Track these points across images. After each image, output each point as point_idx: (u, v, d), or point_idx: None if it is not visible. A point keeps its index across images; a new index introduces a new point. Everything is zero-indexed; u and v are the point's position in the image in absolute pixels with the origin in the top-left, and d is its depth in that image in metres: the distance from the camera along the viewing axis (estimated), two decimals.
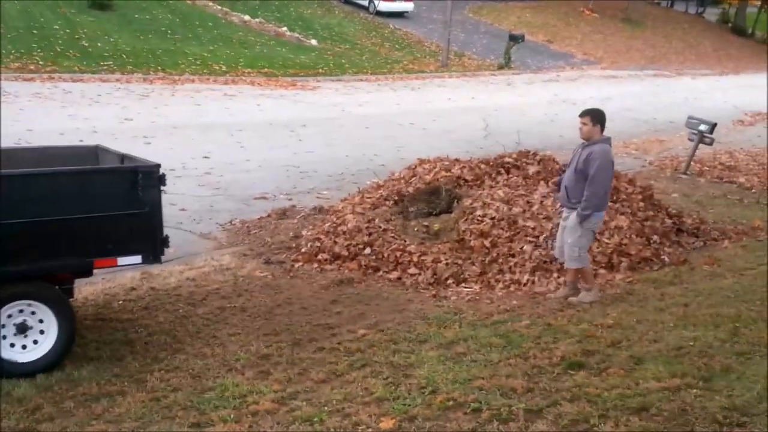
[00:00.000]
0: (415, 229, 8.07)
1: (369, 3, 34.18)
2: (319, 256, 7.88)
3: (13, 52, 20.29)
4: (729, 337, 5.38)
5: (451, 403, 4.48)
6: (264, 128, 14.54)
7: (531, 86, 24.69)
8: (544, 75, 28.32)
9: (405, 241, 7.86)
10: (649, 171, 12.67)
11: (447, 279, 7.33)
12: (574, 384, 4.68)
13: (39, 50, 20.94)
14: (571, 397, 4.47)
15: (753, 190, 11.41)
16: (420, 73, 26.03)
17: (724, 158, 13.77)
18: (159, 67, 21.24)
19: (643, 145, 15.26)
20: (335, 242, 7.95)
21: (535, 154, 9.28)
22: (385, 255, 7.69)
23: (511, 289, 7.14)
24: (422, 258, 7.58)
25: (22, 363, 5.05)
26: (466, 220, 7.95)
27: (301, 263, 7.84)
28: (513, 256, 7.48)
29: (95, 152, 6.59)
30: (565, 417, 4.20)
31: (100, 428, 4.31)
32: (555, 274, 7.25)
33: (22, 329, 5.06)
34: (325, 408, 4.51)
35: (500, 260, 7.46)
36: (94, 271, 5.62)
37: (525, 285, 7.18)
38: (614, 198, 8.52)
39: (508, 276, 7.32)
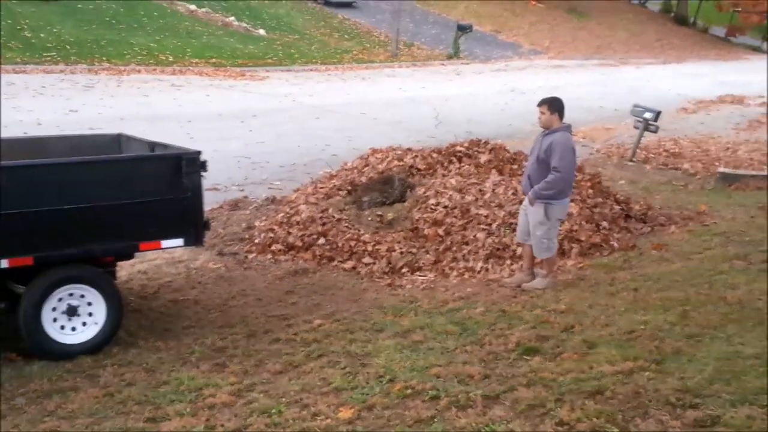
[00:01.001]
0: (369, 219, 8.07)
1: None
2: (273, 247, 7.81)
3: None
4: (679, 320, 5.52)
5: (409, 391, 4.50)
6: (214, 119, 14.33)
7: (480, 76, 24.88)
8: (492, 65, 28.56)
9: (359, 230, 7.85)
10: (597, 158, 12.91)
11: (402, 268, 7.35)
12: (530, 369, 4.75)
13: None
14: (527, 382, 4.53)
15: (697, 176, 11.72)
16: (370, 63, 25.97)
17: (668, 145, 14.10)
18: (104, 58, 20.71)
19: (590, 133, 15.52)
20: (289, 233, 7.90)
21: (486, 142, 9.36)
22: (340, 245, 7.67)
23: (466, 276, 7.19)
24: (377, 247, 7.59)
25: (71, 345, 5.20)
26: (419, 209, 7.98)
27: (254, 254, 7.77)
28: (467, 244, 7.54)
29: (118, 140, 6.80)
30: (522, 402, 4.26)
31: (52, 425, 4.21)
32: (508, 261, 7.34)
33: (72, 312, 5.20)
34: (283, 399, 4.48)
35: (454, 248, 7.52)
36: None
37: (479, 272, 7.24)
38: None
39: (462, 264, 7.38)
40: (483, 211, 7.79)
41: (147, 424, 4.21)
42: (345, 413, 4.24)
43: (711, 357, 4.78)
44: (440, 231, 7.66)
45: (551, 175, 6.39)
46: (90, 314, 5.29)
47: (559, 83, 23.06)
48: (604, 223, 8.17)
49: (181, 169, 5.41)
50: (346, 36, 30.46)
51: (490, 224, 7.66)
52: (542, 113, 6.54)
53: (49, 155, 6.09)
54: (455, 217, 7.78)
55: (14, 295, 5.23)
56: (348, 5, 34.22)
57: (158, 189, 5.42)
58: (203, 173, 5.59)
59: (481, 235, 7.56)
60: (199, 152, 5.57)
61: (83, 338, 5.26)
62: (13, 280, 5.21)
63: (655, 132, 13.04)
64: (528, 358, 4.98)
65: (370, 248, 7.59)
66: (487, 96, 19.60)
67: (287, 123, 14.65)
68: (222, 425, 4.16)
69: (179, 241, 5.57)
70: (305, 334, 5.66)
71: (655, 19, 46.83)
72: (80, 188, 5.15)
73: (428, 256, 7.46)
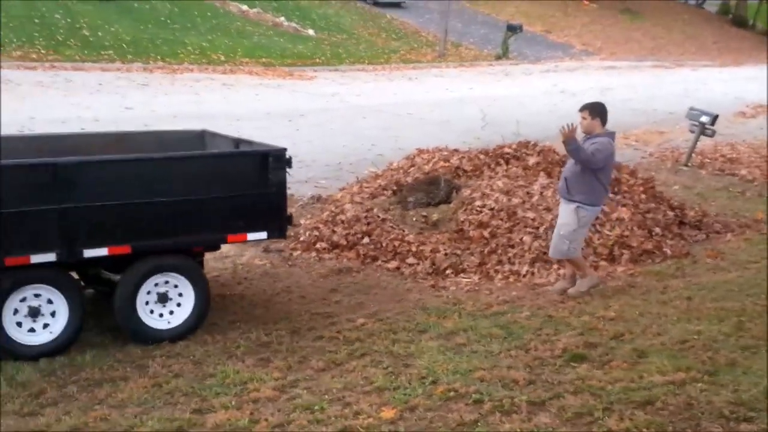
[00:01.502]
0: (414, 219, 8.03)
1: None
2: (318, 245, 7.83)
3: (15, 41, 20.17)
4: (733, 331, 5.35)
5: (452, 393, 4.46)
6: (262, 118, 14.46)
7: (529, 77, 24.60)
8: (542, 65, 28.22)
9: (403, 230, 7.82)
10: (650, 162, 12.62)
11: (446, 269, 7.29)
12: (577, 376, 4.66)
13: (41, 39, 20.82)
14: (574, 390, 4.44)
15: (755, 183, 11.36)
16: (417, 63, 25.92)
17: (725, 150, 13.70)
18: (158, 57, 21.14)
19: (643, 136, 15.19)
20: (334, 231, 7.91)
21: (534, 144, 9.23)
22: (384, 244, 7.65)
23: (511, 280, 7.10)
24: (421, 248, 7.55)
25: (161, 330, 5.44)
26: (464, 210, 7.91)
27: (299, 252, 7.80)
28: (512, 246, 7.45)
29: (202, 136, 6.99)
30: (568, 410, 4.18)
31: (102, 413, 4.29)
32: (555, 266, 7.21)
33: (163, 299, 5.47)
34: (326, 396, 4.49)
35: (499, 251, 7.42)
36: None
37: (524, 276, 7.14)
38: (615, 190, 8.48)
39: (507, 267, 7.29)
40: (530, 214, 7.68)
41: (193, 416, 4.27)
42: (387, 413, 4.22)
43: (766, 370, 4.62)
44: (485, 233, 7.57)
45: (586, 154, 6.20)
46: (179, 303, 5.55)
47: (610, 85, 22.66)
48: (657, 229, 7.98)
49: (267, 165, 5.61)
50: (393, 36, 30.48)
51: (537, 227, 7.54)
52: (584, 118, 6.40)
53: (137, 150, 6.29)
54: (501, 219, 7.68)
55: (106, 281, 5.54)
56: (396, 5, 34.24)
57: (246, 184, 5.64)
58: (288, 169, 5.79)
59: (527, 239, 7.45)
60: (284, 149, 5.75)
61: (173, 324, 5.51)
62: (104, 268, 5.51)
63: (711, 136, 12.69)
64: (575, 365, 4.89)
65: (414, 249, 7.54)
66: (536, 97, 19.36)
67: (334, 122, 14.69)
68: (266, 419, 4.19)
69: (263, 234, 5.77)
70: (348, 332, 5.66)
71: (712, 20, 45.69)
72: (176, 182, 5.39)
73: (473, 258, 7.38)
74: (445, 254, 7.43)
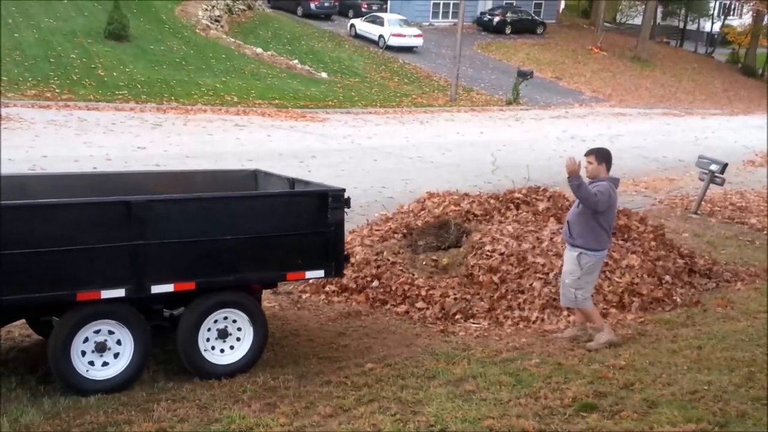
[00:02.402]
0: (424, 263, 8.02)
1: (379, 38, 34.56)
2: (327, 288, 7.83)
3: (30, 79, 20.56)
4: (744, 381, 5.29)
5: None
6: (274, 158, 14.59)
7: (539, 122, 24.78)
8: (552, 111, 28.44)
9: (413, 274, 7.81)
10: (659, 209, 12.61)
11: (455, 314, 7.26)
12: (587, 427, 4.60)
13: (56, 78, 21.22)
14: None
15: (764, 232, 11.32)
16: (429, 107, 26.19)
17: (734, 198, 13.70)
18: (172, 97, 21.46)
19: (652, 183, 15.22)
20: (343, 274, 7.90)
21: (545, 190, 9.26)
22: (393, 288, 7.64)
23: (520, 326, 7.06)
24: (430, 292, 7.53)
25: (221, 365, 5.58)
26: (474, 255, 7.90)
27: (308, 294, 7.80)
28: (522, 292, 7.42)
29: (254, 175, 7.18)
30: None
31: None
32: (565, 312, 7.17)
33: (223, 335, 5.60)
34: None
35: (509, 296, 7.40)
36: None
37: (534, 322, 7.10)
38: (625, 236, 8.48)
39: (517, 313, 7.25)
40: (540, 260, 7.66)
41: None
42: None
43: None
44: (495, 278, 7.56)
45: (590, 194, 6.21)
46: (238, 338, 5.67)
47: (620, 131, 22.80)
48: (667, 277, 7.94)
49: (327, 205, 5.72)
50: (405, 80, 30.87)
51: (547, 273, 7.52)
52: (589, 163, 6.44)
53: (192, 189, 6.44)
54: (511, 264, 7.67)
55: (166, 318, 5.62)
56: (409, 50, 34.75)
57: (306, 223, 5.74)
58: (346, 209, 5.91)
59: (537, 284, 7.43)
60: (343, 189, 5.87)
61: (231, 360, 5.63)
62: (164, 304, 5.58)
63: (721, 185, 12.70)
64: (585, 414, 4.83)
65: (423, 293, 7.53)
66: (546, 142, 19.48)
67: (345, 164, 14.81)
68: None
69: (320, 273, 5.88)
70: (356, 377, 5.62)
71: (721, 69, 46.08)
72: (240, 220, 5.51)
73: (482, 303, 7.36)
74: (455, 299, 7.41)
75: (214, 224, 5.41)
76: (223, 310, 5.56)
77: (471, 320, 7.19)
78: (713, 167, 12.41)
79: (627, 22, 51.36)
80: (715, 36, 51.88)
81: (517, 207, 8.84)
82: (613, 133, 22.02)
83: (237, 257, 5.50)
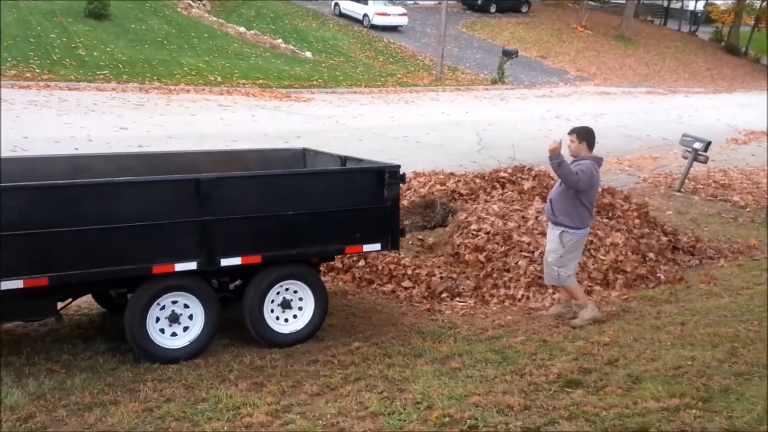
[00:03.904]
0: (410, 243, 8.03)
1: (363, 17, 34.31)
2: None
3: (9, 59, 20.24)
4: (727, 357, 5.35)
5: (446, 419, 4.43)
6: (258, 139, 14.50)
7: (524, 101, 24.78)
8: (537, 90, 28.44)
9: (399, 254, 7.82)
10: (643, 188, 12.69)
11: (441, 293, 7.29)
12: (572, 402, 4.64)
13: (35, 58, 20.91)
14: (569, 416, 4.42)
15: (747, 209, 11.43)
16: (414, 87, 26.10)
17: (718, 176, 13.81)
18: (155, 77, 21.23)
19: (636, 161, 15.29)
20: None
21: (530, 169, 9.28)
22: (380, 268, 7.65)
23: (506, 304, 7.10)
24: (416, 271, 7.54)
25: (285, 334, 5.85)
26: (460, 234, 7.92)
27: None
28: (508, 271, 7.45)
29: (303, 154, 7.44)
30: None
31: None
32: (550, 290, 7.22)
33: (286, 305, 5.86)
34: (320, 422, 4.45)
35: (495, 275, 7.43)
36: None
37: (520, 300, 7.14)
38: (609, 215, 8.53)
39: (502, 291, 7.29)
40: (525, 239, 7.70)
41: None
42: None
43: (760, 396, 4.61)
44: (481, 257, 7.59)
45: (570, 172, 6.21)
46: (300, 308, 5.93)
47: (604, 110, 22.84)
48: (651, 255, 8.00)
49: (383, 181, 5.93)
50: (390, 59, 30.71)
51: (532, 252, 7.56)
52: (572, 141, 6.46)
53: (245, 167, 6.75)
54: (497, 243, 7.70)
55: (231, 290, 5.92)
56: (393, 29, 34.55)
57: (364, 198, 5.96)
58: (401, 185, 6.13)
59: (522, 263, 7.47)
60: (398, 166, 6.08)
61: (294, 329, 5.90)
62: (229, 277, 5.82)
63: (704, 162, 12.78)
64: (570, 390, 4.87)
65: (410, 272, 7.54)
66: (531, 121, 19.50)
67: (330, 144, 14.67)
68: None
69: (377, 246, 6.08)
70: (343, 356, 5.63)
71: (705, 47, 46.20)
72: (303, 197, 5.74)
73: (468, 282, 7.39)
74: (441, 278, 7.43)
75: (278, 201, 5.63)
76: (286, 282, 5.82)
77: (457, 299, 7.22)
78: (697, 145, 12.49)
79: (611, 0, 51.31)
80: (699, 14, 51.98)
81: (503, 186, 8.87)
82: (598, 111, 22.07)
83: (299, 232, 5.72)
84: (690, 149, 12.56)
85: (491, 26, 38.84)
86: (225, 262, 5.46)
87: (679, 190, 12.44)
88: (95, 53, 22.42)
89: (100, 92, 18.45)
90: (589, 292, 7.14)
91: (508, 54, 30.22)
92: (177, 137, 13.79)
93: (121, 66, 21.70)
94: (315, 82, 24.25)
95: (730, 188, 12.88)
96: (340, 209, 5.84)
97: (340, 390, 4.97)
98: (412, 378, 5.15)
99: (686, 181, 12.71)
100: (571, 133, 6.50)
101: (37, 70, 19.90)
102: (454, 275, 7.47)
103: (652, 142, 17.84)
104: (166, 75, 21.63)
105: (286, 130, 15.67)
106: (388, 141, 15.50)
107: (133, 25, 25.78)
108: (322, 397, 4.88)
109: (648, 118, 22.10)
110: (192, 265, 5.34)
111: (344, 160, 6.80)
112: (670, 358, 5.40)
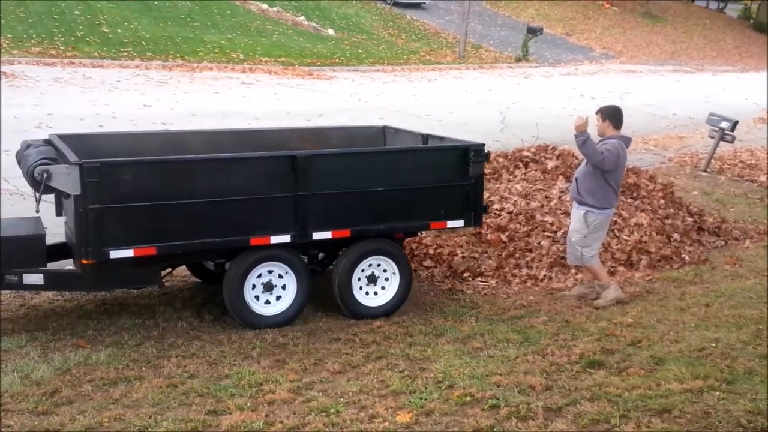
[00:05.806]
0: None
1: None
2: None
3: (34, 36, 20.38)
4: (752, 339, 5.30)
5: (468, 398, 4.45)
6: (281, 117, 14.50)
7: (549, 79, 24.50)
8: (562, 68, 28.10)
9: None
10: (669, 167, 12.52)
11: (463, 272, 7.27)
12: (594, 383, 4.63)
13: (60, 35, 21.03)
14: (591, 397, 4.42)
15: None
16: (437, 65, 25.90)
17: (744, 156, 13.57)
18: (178, 55, 21.28)
19: (662, 141, 15.08)
20: None
21: (554, 148, 9.19)
22: None
23: (528, 284, 7.08)
24: (438, 251, 7.53)
25: (372, 307, 6.06)
26: None
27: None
28: (530, 251, 7.42)
29: (383, 131, 7.55)
30: (585, 416, 4.15)
31: (117, 413, 4.29)
32: (572, 271, 7.18)
33: (373, 280, 6.06)
34: (341, 399, 4.49)
35: (517, 255, 7.40)
36: None
37: (542, 280, 7.12)
38: (634, 195, 8.44)
39: (525, 271, 7.26)
40: (548, 218, 7.65)
41: (208, 417, 4.27)
42: (403, 417, 4.21)
43: None
44: (503, 237, 7.55)
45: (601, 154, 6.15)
46: (386, 281, 6.12)
47: (630, 88, 22.53)
48: (676, 235, 7.92)
49: (468, 159, 6.03)
50: (413, 37, 30.46)
51: (555, 232, 7.51)
52: (598, 120, 6.39)
53: (330, 144, 7.00)
54: (519, 223, 7.66)
55: (320, 262, 6.34)
56: (416, 6, 34.23)
57: (450, 176, 6.09)
58: (486, 163, 6.26)
59: (545, 243, 7.42)
60: (483, 144, 6.19)
61: (380, 302, 6.09)
62: (318, 250, 6.17)
63: (731, 142, 12.56)
64: (592, 371, 4.86)
65: (431, 251, 7.54)
66: (556, 100, 19.27)
67: (353, 122, 14.68)
68: (281, 422, 4.18)
69: (461, 222, 6.20)
70: (364, 335, 5.66)
71: (733, 25, 45.26)
72: (391, 173, 5.92)
73: (490, 261, 7.37)
74: (463, 257, 7.42)
75: (367, 177, 5.82)
76: (374, 257, 5.99)
77: (479, 278, 7.21)
78: (723, 125, 12.27)
79: None
80: None
81: (526, 165, 8.80)
82: (623, 90, 21.76)
83: (387, 208, 5.91)
84: (717, 128, 12.35)
85: (516, 3, 38.33)
86: (317, 235, 5.68)
87: (705, 170, 12.26)
88: (119, 30, 22.51)
89: (124, 69, 18.54)
90: (612, 273, 7.10)
91: (533, 31, 29.84)
92: (200, 115, 13.84)
93: (144, 43, 21.77)
94: (337, 60, 24.14)
95: (757, 168, 12.65)
96: (426, 186, 5.99)
97: (362, 368, 5.00)
98: (433, 357, 5.16)
99: (712, 161, 12.52)
100: (598, 112, 6.44)
101: (61, 48, 20.03)
102: (476, 255, 7.45)
103: (678, 121, 17.57)
104: (189, 52, 21.67)
105: (308, 108, 15.65)
106: (410, 119, 15.41)
107: (156, 2, 25.80)
108: (344, 375, 4.91)
109: (674, 96, 21.76)
110: (286, 238, 5.59)
111: (426, 138, 6.89)
112: (693, 339, 5.37)
